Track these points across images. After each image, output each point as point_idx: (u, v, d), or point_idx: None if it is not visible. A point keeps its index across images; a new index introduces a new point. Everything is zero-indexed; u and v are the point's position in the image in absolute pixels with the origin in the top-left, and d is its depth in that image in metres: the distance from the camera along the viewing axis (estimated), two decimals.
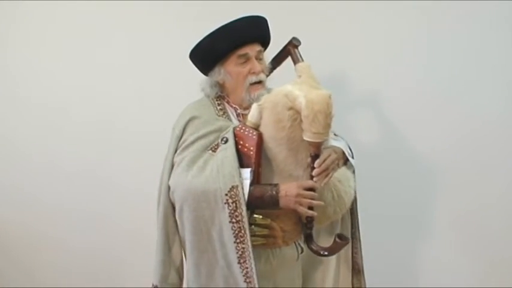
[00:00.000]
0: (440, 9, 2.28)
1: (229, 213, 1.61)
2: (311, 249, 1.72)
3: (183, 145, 1.74)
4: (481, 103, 2.32)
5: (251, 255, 1.61)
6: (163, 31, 2.44)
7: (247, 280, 1.63)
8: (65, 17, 2.47)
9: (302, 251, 1.85)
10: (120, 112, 2.52)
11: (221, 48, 1.73)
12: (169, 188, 1.74)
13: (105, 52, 2.48)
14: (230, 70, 1.76)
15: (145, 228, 2.34)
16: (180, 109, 1.86)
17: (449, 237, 2.43)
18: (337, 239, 1.66)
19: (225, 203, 1.61)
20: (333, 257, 1.90)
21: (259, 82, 1.77)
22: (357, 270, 1.95)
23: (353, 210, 1.90)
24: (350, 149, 1.85)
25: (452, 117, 2.34)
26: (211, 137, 1.72)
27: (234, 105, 1.82)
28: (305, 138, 1.55)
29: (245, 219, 1.60)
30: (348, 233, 1.90)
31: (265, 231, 1.72)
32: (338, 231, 1.90)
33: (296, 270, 1.87)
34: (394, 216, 2.43)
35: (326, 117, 1.51)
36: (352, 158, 1.84)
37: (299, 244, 1.84)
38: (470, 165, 2.37)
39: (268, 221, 1.72)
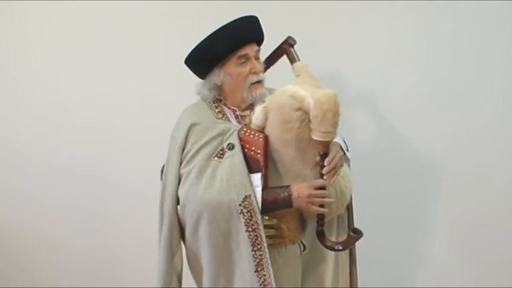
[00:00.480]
0: (439, 9, 2.29)
1: (245, 222, 1.62)
2: (325, 245, 1.73)
3: (188, 156, 1.72)
4: (480, 103, 2.32)
5: (269, 261, 1.63)
6: (163, 31, 2.44)
7: None
8: (65, 16, 2.46)
9: (305, 249, 1.86)
10: (120, 112, 2.52)
11: (221, 49, 1.71)
12: (177, 200, 1.73)
13: (105, 52, 2.48)
14: (230, 71, 1.74)
15: (145, 228, 2.34)
16: (179, 109, 1.85)
17: (447, 237, 2.44)
18: (351, 233, 1.68)
19: (240, 213, 1.62)
20: (332, 253, 1.90)
21: (259, 81, 1.76)
22: (352, 263, 1.95)
23: (349, 205, 1.91)
24: (345, 143, 1.85)
25: (451, 117, 2.35)
26: (215, 143, 1.71)
27: (233, 107, 1.81)
28: (314, 137, 1.55)
29: (261, 227, 1.62)
30: (345, 228, 1.91)
31: (272, 232, 1.73)
32: (335, 226, 1.91)
33: (298, 267, 1.89)
34: (392, 216, 2.44)
35: (334, 115, 1.52)
36: (347, 150, 1.84)
37: (301, 242, 1.86)
38: (469, 165, 2.38)
39: (274, 222, 1.73)
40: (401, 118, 2.38)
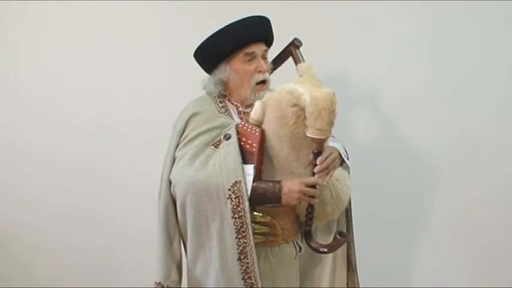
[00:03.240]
0: (440, 9, 2.29)
1: (232, 208, 1.62)
2: (310, 247, 1.73)
3: (185, 140, 1.75)
4: (481, 103, 2.32)
5: (253, 249, 1.63)
6: (163, 31, 2.44)
7: (246, 276, 1.64)
8: (65, 16, 2.47)
9: (300, 250, 1.86)
10: (120, 111, 2.52)
11: (229, 45, 1.73)
12: (170, 183, 1.74)
13: (104, 52, 2.48)
14: (236, 68, 1.76)
15: (145, 228, 2.34)
16: (179, 107, 1.87)
17: (447, 237, 2.44)
18: (337, 236, 1.68)
19: (228, 198, 1.62)
20: (330, 256, 1.91)
21: (264, 81, 1.78)
22: (351, 269, 1.96)
23: (347, 210, 1.91)
24: (345, 151, 1.86)
25: (453, 116, 2.35)
26: (213, 133, 1.74)
27: (236, 103, 1.83)
28: (308, 134, 1.56)
29: (247, 215, 1.62)
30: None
31: (265, 229, 1.73)
32: (334, 230, 1.91)
33: (294, 268, 1.88)
34: (391, 215, 2.44)
35: (330, 114, 1.53)
36: (348, 159, 1.85)
37: (297, 243, 1.85)
38: (468, 165, 2.37)
39: (268, 219, 1.73)
40: (402, 118, 2.38)
